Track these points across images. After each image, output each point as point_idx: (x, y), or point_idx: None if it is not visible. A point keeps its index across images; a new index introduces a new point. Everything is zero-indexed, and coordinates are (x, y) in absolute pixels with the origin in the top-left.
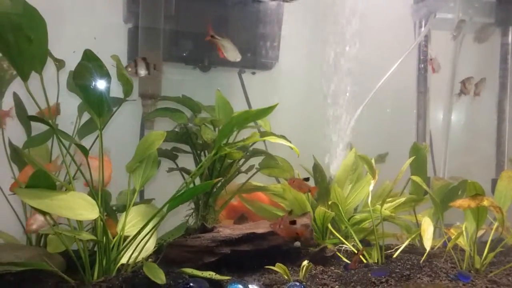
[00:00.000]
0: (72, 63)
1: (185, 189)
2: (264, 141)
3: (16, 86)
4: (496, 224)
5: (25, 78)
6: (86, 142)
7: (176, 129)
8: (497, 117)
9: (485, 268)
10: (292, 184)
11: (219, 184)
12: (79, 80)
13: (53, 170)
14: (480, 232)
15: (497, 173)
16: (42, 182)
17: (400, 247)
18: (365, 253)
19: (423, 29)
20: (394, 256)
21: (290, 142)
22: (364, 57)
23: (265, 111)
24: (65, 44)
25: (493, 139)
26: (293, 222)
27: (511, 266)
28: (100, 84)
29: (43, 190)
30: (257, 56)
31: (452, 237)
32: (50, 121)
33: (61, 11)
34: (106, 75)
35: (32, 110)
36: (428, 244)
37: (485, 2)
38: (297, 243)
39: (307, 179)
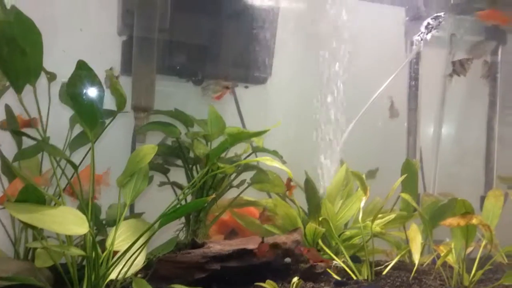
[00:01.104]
0: (64, 74)
1: (178, 207)
2: (255, 154)
3: (7, 96)
4: (484, 242)
5: (19, 91)
6: (78, 154)
7: (167, 142)
8: (486, 134)
9: (473, 285)
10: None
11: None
12: (72, 92)
13: (43, 184)
14: (469, 249)
15: (486, 190)
16: (31, 196)
17: (390, 263)
18: (355, 269)
19: (414, 47)
20: (384, 272)
21: (281, 157)
22: (356, 73)
23: (260, 133)
24: (58, 55)
25: (482, 156)
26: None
27: (500, 283)
28: (93, 97)
29: (33, 204)
30: (250, 70)
31: (441, 254)
32: (41, 134)
33: (55, 22)
34: (99, 87)
35: None
36: (417, 251)
37: (476, 21)
38: (288, 259)
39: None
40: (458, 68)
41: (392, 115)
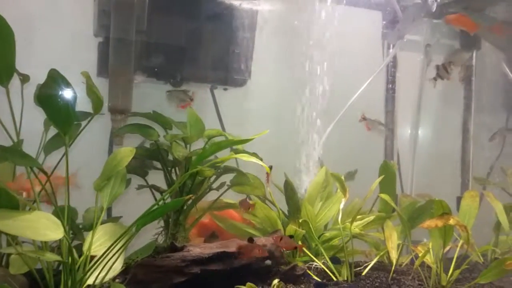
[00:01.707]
0: (40, 76)
1: (155, 208)
2: (235, 159)
3: None
4: (461, 242)
5: None
6: (53, 158)
7: (146, 145)
8: (462, 136)
9: (451, 285)
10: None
11: (189, 202)
12: (43, 98)
13: (17, 189)
14: (446, 249)
15: (462, 191)
16: (3, 201)
17: (369, 264)
18: (334, 270)
19: (391, 50)
20: (363, 273)
21: (261, 159)
22: (335, 75)
23: (245, 141)
24: (34, 57)
25: (458, 157)
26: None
27: (476, 282)
28: (66, 101)
29: (5, 210)
30: (229, 73)
31: (419, 254)
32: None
33: (30, 22)
34: (72, 94)
35: None
36: (393, 249)
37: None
38: (268, 262)
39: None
40: (442, 72)
41: (372, 126)
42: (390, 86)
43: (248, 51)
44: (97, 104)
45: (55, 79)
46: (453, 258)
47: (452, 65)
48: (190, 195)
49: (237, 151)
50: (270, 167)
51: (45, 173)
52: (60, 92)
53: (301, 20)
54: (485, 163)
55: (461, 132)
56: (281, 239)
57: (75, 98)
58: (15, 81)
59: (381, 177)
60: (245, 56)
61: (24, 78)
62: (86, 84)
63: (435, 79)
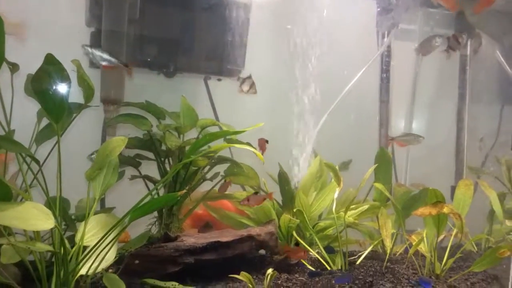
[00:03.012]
0: (31, 66)
1: (148, 200)
2: (230, 148)
3: None
4: (455, 230)
5: None
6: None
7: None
8: (456, 126)
9: (445, 273)
10: (249, 203)
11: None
12: (37, 85)
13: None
14: (440, 238)
15: (456, 180)
16: None
17: (363, 253)
18: (329, 260)
19: (385, 39)
20: (358, 262)
21: (255, 149)
22: (329, 65)
23: (239, 132)
24: (24, 47)
25: (453, 147)
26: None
27: (470, 271)
28: (59, 90)
29: None
30: (223, 63)
31: (414, 243)
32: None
33: (21, 13)
34: (66, 80)
35: None
36: (388, 237)
37: (445, 14)
38: (262, 251)
39: (256, 193)
40: (453, 43)
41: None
42: (385, 75)
43: (242, 41)
44: (88, 93)
45: (50, 65)
46: (447, 247)
47: (463, 36)
48: (183, 190)
49: (230, 141)
50: (267, 141)
51: (37, 163)
52: (54, 80)
53: (294, 9)
54: (479, 153)
55: (456, 122)
56: (248, 199)
57: (68, 87)
58: (4, 73)
59: (375, 165)
60: (239, 46)
61: (14, 68)
62: (77, 72)
63: (447, 51)
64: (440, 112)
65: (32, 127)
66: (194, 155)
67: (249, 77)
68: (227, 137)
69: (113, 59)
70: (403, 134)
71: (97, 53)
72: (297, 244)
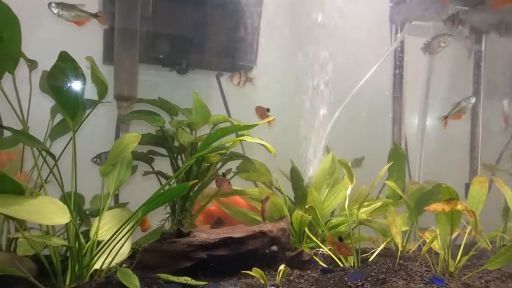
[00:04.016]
0: (45, 63)
1: (160, 192)
2: (242, 145)
3: None
4: (469, 228)
5: None
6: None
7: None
8: (471, 122)
9: (458, 271)
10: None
11: (196, 188)
12: (53, 82)
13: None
14: (454, 235)
15: (470, 178)
16: (8, 187)
17: (376, 250)
18: (341, 257)
19: (399, 34)
20: (370, 259)
21: (267, 143)
22: (341, 61)
23: (251, 126)
24: (39, 44)
25: (467, 144)
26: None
27: (484, 269)
28: (74, 86)
29: (11, 195)
30: (235, 60)
31: (427, 240)
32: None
33: (35, 10)
34: (81, 77)
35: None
36: (398, 234)
37: (459, 9)
38: (274, 247)
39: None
40: (455, 20)
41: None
42: (398, 71)
43: (254, 38)
44: (101, 89)
45: (65, 62)
46: (461, 245)
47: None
48: (195, 180)
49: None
50: (268, 110)
51: (53, 158)
52: (69, 77)
53: (307, 4)
54: (494, 149)
55: (470, 117)
56: (216, 180)
57: (84, 84)
58: (21, 68)
59: (389, 164)
60: (251, 42)
61: (32, 65)
62: (91, 69)
63: (452, 22)
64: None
65: (43, 124)
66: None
67: (242, 72)
68: (239, 133)
69: (82, 14)
70: (453, 106)
71: (65, 11)
72: (341, 239)
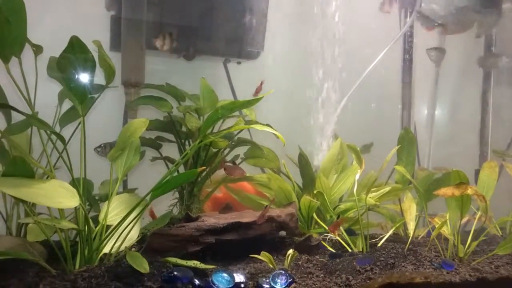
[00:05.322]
0: (53, 49)
1: (169, 178)
2: (249, 131)
3: None
4: (479, 214)
5: (6, 60)
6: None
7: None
8: (481, 108)
9: (468, 256)
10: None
11: (204, 174)
12: (62, 67)
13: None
14: (464, 221)
15: (480, 164)
16: (19, 170)
17: (385, 236)
18: (350, 242)
19: (408, 19)
20: (379, 245)
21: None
22: (350, 46)
23: (252, 102)
24: (46, 30)
25: (477, 130)
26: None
27: (494, 254)
28: (83, 71)
29: (21, 178)
30: (242, 46)
31: (436, 226)
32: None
33: None
34: (90, 61)
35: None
36: (411, 221)
37: None
38: (282, 232)
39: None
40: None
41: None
42: (407, 56)
43: (262, 23)
44: (109, 72)
45: (76, 47)
46: (470, 231)
47: None
48: (203, 167)
49: (250, 123)
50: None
51: (63, 141)
52: (79, 61)
53: None
54: (505, 135)
55: (480, 103)
56: (225, 168)
57: (93, 69)
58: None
59: (398, 146)
60: (258, 28)
61: (38, 50)
62: (98, 53)
63: None
64: (464, 94)
65: (49, 110)
66: (209, 130)
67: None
68: (247, 119)
69: None
70: None
71: None
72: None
